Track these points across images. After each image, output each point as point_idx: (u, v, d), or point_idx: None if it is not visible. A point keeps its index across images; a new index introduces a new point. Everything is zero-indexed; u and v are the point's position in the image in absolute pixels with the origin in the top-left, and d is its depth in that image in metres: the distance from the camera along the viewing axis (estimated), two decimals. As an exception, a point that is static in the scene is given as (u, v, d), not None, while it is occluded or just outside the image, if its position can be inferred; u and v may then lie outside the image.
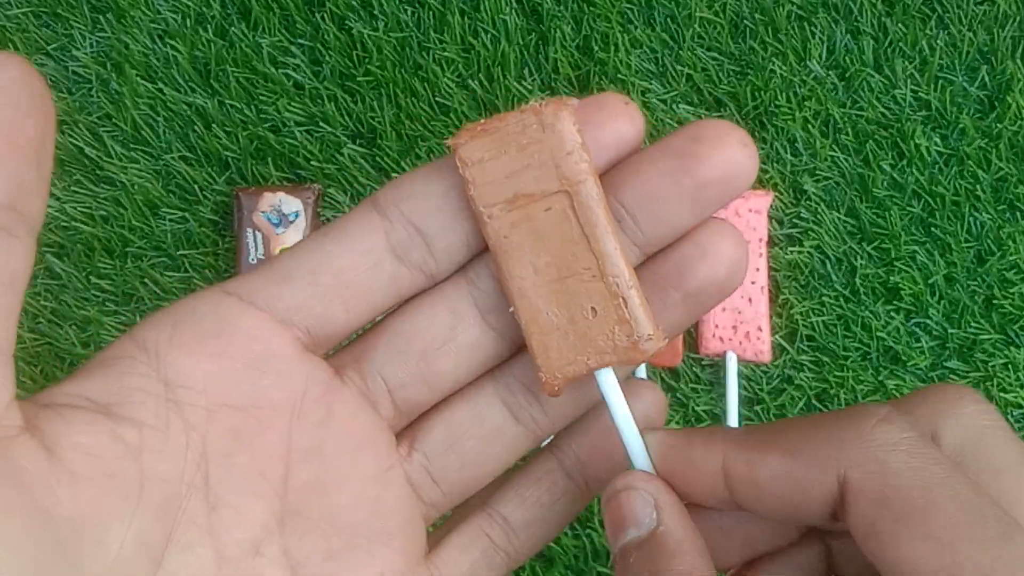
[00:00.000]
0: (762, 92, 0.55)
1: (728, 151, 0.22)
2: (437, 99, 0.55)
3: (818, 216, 0.55)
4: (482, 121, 0.23)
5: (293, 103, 0.55)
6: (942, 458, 0.20)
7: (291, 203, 0.50)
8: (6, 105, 0.19)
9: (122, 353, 0.21)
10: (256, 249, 0.49)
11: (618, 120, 0.22)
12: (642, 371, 0.53)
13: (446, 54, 0.56)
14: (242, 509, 0.21)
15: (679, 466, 0.22)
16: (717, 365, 0.54)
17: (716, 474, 0.22)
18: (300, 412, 0.22)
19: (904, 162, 0.55)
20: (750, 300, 0.53)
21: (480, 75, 0.56)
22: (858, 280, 0.54)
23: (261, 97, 0.55)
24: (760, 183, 0.55)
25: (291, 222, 0.48)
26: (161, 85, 0.56)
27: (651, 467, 0.23)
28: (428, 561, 0.24)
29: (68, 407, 0.20)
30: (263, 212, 0.48)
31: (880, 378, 0.53)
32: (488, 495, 0.25)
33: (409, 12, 0.56)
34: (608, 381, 0.23)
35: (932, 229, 0.55)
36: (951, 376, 0.53)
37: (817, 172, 0.55)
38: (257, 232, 0.49)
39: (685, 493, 0.22)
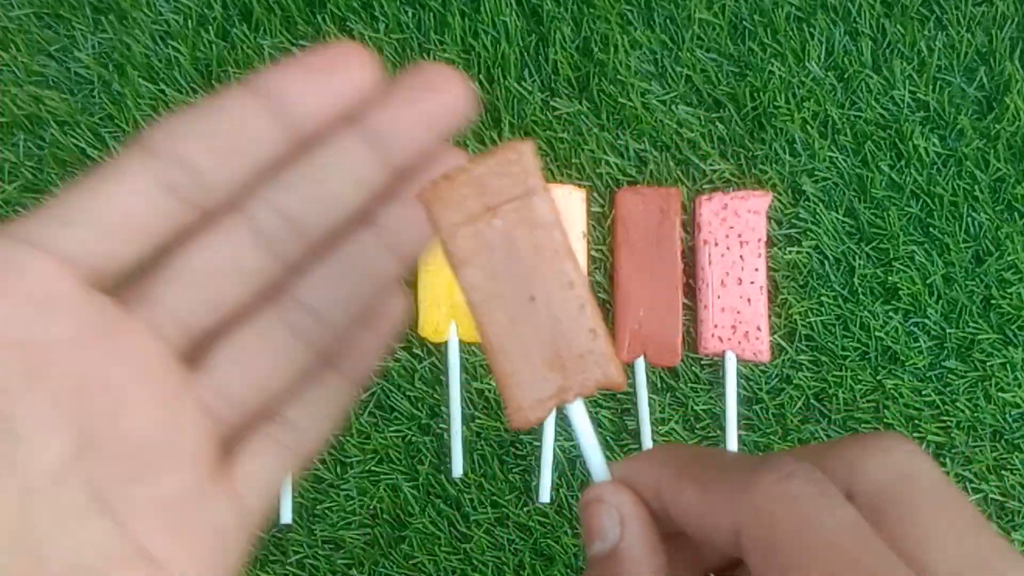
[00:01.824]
0: (761, 93, 0.55)
1: (453, 85, 0.27)
2: (437, 100, 0.56)
3: (817, 216, 0.55)
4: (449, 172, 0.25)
5: (294, 104, 0.55)
6: (841, 514, 0.21)
7: None
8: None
9: None
10: None
11: (351, 68, 0.26)
12: (642, 371, 0.53)
13: (446, 55, 0.56)
14: (42, 442, 0.22)
15: (635, 477, 0.25)
16: (716, 365, 0.54)
17: (654, 491, 0.24)
18: (89, 346, 0.23)
19: (902, 163, 0.55)
20: (749, 300, 0.53)
21: (480, 76, 0.56)
22: (856, 280, 0.54)
23: (262, 98, 0.56)
24: (759, 184, 0.55)
25: None
26: (163, 86, 0.56)
27: (609, 477, 0.25)
28: (224, 472, 0.26)
29: None
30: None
31: (879, 378, 0.54)
32: (273, 404, 0.27)
33: (409, 13, 0.56)
34: (577, 408, 0.26)
35: (930, 229, 0.55)
36: (950, 376, 0.54)
37: (816, 173, 0.55)
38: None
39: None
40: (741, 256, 0.54)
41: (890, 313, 0.54)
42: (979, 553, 0.21)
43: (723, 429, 0.53)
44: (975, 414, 0.53)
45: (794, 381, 0.54)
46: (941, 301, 0.54)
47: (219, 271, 0.25)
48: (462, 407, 0.53)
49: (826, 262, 0.55)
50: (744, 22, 0.56)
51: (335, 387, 0.28)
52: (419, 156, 0.26)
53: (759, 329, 0.53)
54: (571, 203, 0.54)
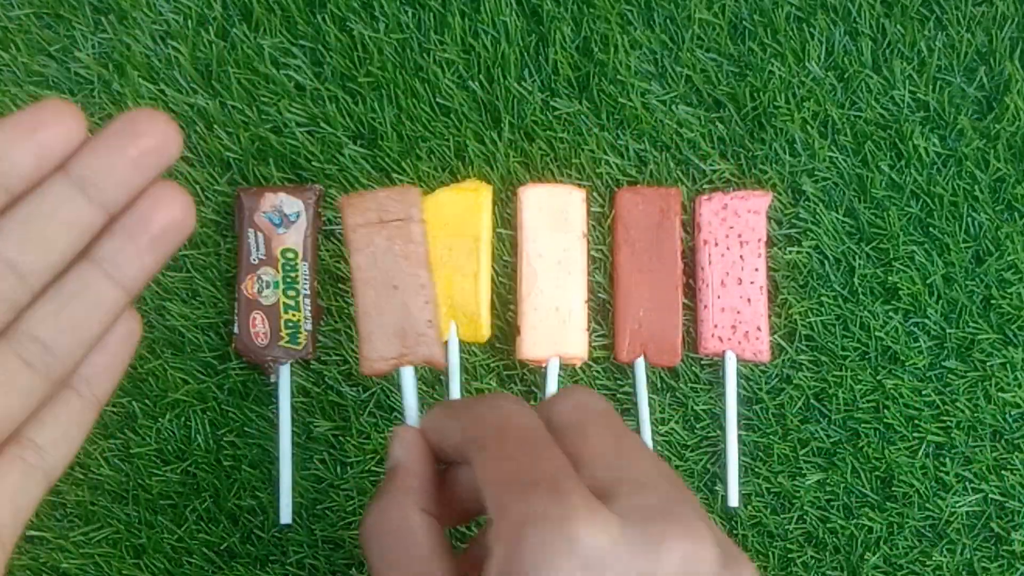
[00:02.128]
0: (761, 93, 0.55)
1: (159, 128, 0.30)
2: (438, 100, 0.56)
3: (817, 216, 0.55)
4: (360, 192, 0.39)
5: (294, 104, 0.55)
6: (531, 422, 0.30)
7: (292, 203, 0.50)
8: None
9: None
10: (257, 249, 0.49)
11: (58, 125, 0.29)
12: (642, 371, 0.53)
13: (446, 55, 0.56)
14: None
15: (430, 428, 0.33)
16: (716, 365, 0.54)
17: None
18: None
19: (902, 163, 0.55)
20: (749, 300, 0.53)
21: (480, 76, 0.56)
22: (856, 280, 0.54)
23: (262, 98, 0.56)
24: (759, 184, 0.55)
25: (292, 222, 0.49)
26: (163, 86, 0.56)
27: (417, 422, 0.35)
28: None
29: None
30: (264, 212, 0.49)
31: (879, 378, 0.54)
32: (20, 428, 0.30)
33: (410, 13, 0.56)
34: (407, 375, 0.36)
35: (930, 229, 0.55)
36: (950, 375, 0.54)
37: (816, 173, 0.55)
38: (258, 232, 0.50)
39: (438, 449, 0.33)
40: (741, 256, 0.54)
41: (890, 313, 0.54)
42: (619, 447, 0.30)
43: (723, 429, 0.53)
44: (975, 414, 0.53)
45: (794, 381, 0.54)
46: (941, 301, 0.54)
47: None
48: (462, 407, 0.53)
49: (826, 262, 0.55)
50: (744, 22, 0.56)
51: (77, 409, 0.31)
52: (131, 194, 0.30)
53: (759, 329, 0.53)
54: (571, 203, 0.54)
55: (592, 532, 0.26)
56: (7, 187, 0.28)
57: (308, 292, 0.49)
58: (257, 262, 0.49)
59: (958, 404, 0.53)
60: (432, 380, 0.54)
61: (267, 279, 0.46)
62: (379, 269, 0.40)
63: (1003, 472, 0.53)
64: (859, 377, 0.54)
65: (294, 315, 0.47)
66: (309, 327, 0.49)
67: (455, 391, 0.53)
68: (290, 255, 0.48)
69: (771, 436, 0.54)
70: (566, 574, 0.25)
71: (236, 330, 0.50)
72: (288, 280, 0.48)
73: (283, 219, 0.48)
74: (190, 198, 0.31)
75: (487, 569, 0.26)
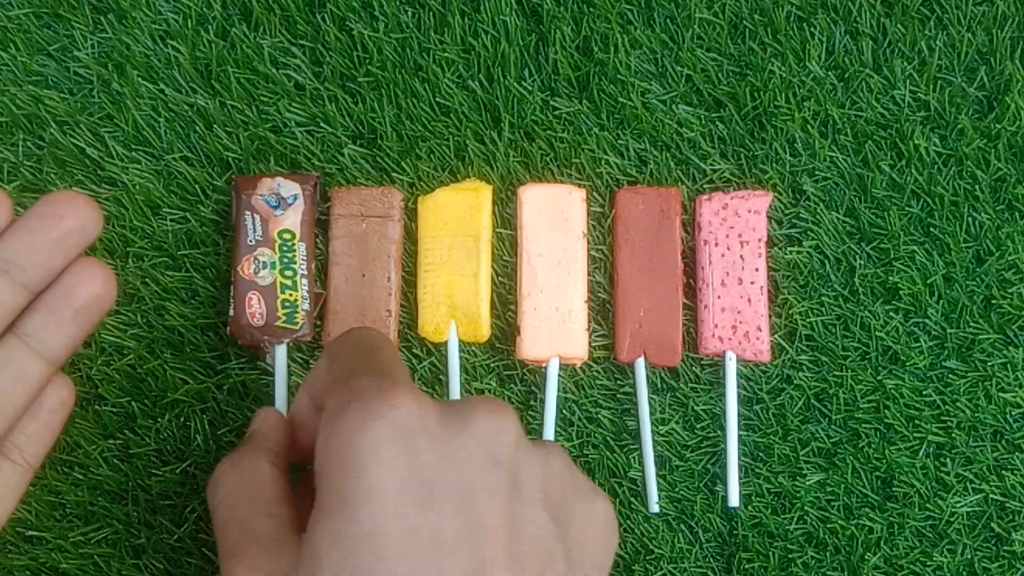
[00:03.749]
0: (761, 93, 0.55)
1: (78, 209, 0.32)
2: (438, 99, 0.56)
3: (817, 216, 0.55)
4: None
5: (294, 104, 0.55)
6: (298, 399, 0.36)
7: (290, 187, 0.49)
8: None
9: None
10: (254, 231, 0.49)
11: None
12: (642, 371, 0.53)
13: (446, 55, 0.56)
14: None
15: (310, 379, 0.36)
16: (716, 365, 0.54)
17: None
18: None
19: (903, 162, 0.55)
20: (749, 300, 0.53)
21: (480, 76, 0.56)
22: (857, 280, 0.54)
23: (262, 98, 0.56)
24: (759, 183, 0.55)
25: (289, 204, 0.48)
26: (162, 86, 0.56)
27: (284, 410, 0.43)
28: None
29: None
30: (262, 195, 0.48)
31: (879, 378, 0.54)
32: None
33: (409, 13, 0.56)
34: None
35: (931, 229, 0.55)
36: (950, 376, 0.54)
37: (816, 172, 0.55)
38: (255, 215, 0.49)
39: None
40: (741, 256, 0.54)
41: (891, 313, 0.54)
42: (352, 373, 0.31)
43: (723, 429, 0.53)
44: (976, 414, 0.53)
45: (794, 381, 0.54)
46: (942, 301, 0.54)
47: None
48: (462, 407, 0.53)
49: (826, 262, 0.55)
50: (744, 22, 0.56)
51: (8, 474, 0.33)
52: (54, 273, 0.31)
53: (759, 329, 0.53)
54: (571, 203, 0.54)
55: (408, 401, 0.28)
56: None
57: (305, 273, 0.47)
58: (254, 243, 0.48)
59: (959, 404, 0.53)
60: (432, 380, 0.54)
61: (264, 259, 0.46)
62: (353, 256, 0.46)
63: (1004, 472, 0.53)
64: (859, 377, 0.54)
65: (291, 295, 0.46)
66: (307, 307, 0.47)
67: (455, 391, 0.53)
68: (287, 236, 0.47)
69: (771, 436, 0.53)
70: (380, 436, 0.27)
71: (231, 312, 0.49)
72: (285, 260, 0.47)
73: (280, 201, 0.47)
74: (110, 272, 0.33)
75: (316, 452, 0.28)
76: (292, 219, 0.48)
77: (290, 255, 0.45)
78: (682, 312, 0.54)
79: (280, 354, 0.47)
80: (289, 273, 0.46)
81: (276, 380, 0.48)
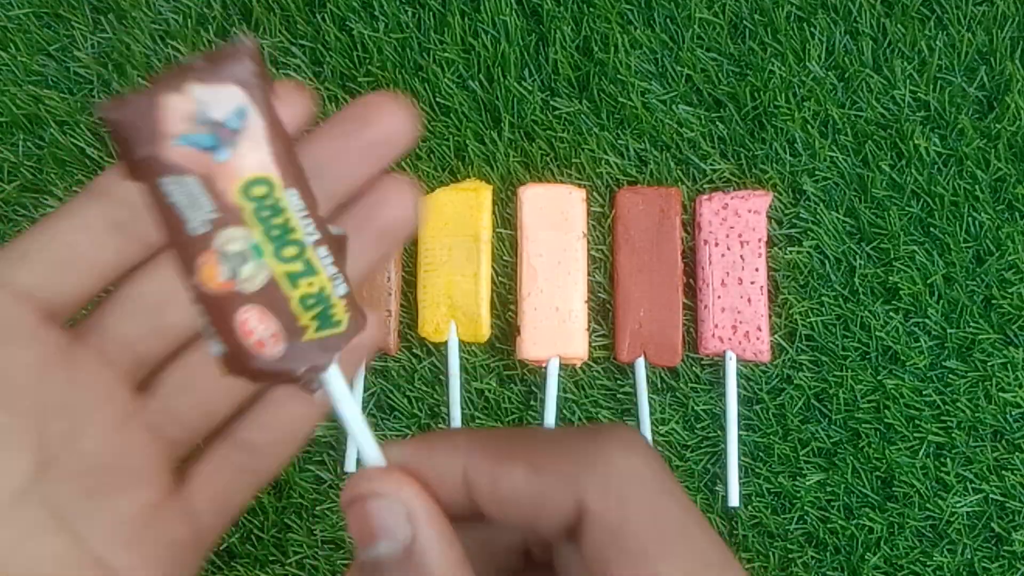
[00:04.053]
0: (761, 93, 0.55)
1: (391, 116, 0.27)
2: (438, 99, 0.56)
3: (817, 216, 0.55)
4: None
5: (294, 103, 0.55)
6: (679, 494, 0.21)
7: (223, 96, 0.22)
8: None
9: None
10: (197, 207, 0.22)
11: (293, 104, 0.27)
12: (642, 371, 0.53)
13: (446, 55, 0.56)
14: (5, 463, 0.24)
15: (418, 464, 0.22)
16: (716, 365, 0.54)
17: (456, 478, 0.22)
18: (47, 374, 0.25)
19: (903, 162, 0.55)
20: (749, 300, 0.53)
21: (480, 76, 0.56)
22: (857, 280, 0.54)
23: (262, 98, 0.56)
24: (759, 183, 0.55)
25: (237, 131, 0.22)
26: (162, 86, 0.56)
27: (383, 461, 0.23)
28: (179, 492, 0.27)
29: None
30: (178, 136, 0.21)
31: (879, 378, 0.54)
32: (231, 424, 0.28)
33: (409, 13, 0.56)
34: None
35: (931, 229, 0.55)
36: (950, 376, 0.54)
37: (816, 172, 0.55)
38: (183, 176, 0.21)
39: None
40: (741, 256, 0.54)
41: (891, 313, 0.54)
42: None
43: (723, 429, 0.53)
44: (976, 414, 0.53)
45: (795, 381, 0.54)
46: (942, 301, 0.54)
47: (163, 301, 0.26)
48: (462, 407, 0.53)
49: (827, 262, 0.55)
50: (744, 21, 0.56)
51: (293, 409, 0.28)
52: (359, 185, 0.27)
53: (759, 329, 0.53)
54: (571, 203, 0.54)
55: (644, 442, 0.23)
56: None
57: (317, 236, 0.23)
58: (205, 227, 0.22)
59: (959, 404, 0.53)
60: (432, 380, 0.54)
61: (235, 248, 0.22)
62: None
63: (1004, 472, 0.53)
64: (859, 377, 0.54)
65: (310, 283, 0.23)
66: (342, 289, 0.23)
67: (455, 391, 0.53)
68: (260, 189, 0.22)
69: (771, 436, 0.53)
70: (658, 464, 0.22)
71: (220, 348, 0.23)
72: (275, 232, 0.22)
73: (217, 132, 0.22)
74: (418, 192, 0.28)
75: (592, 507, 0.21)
76: (254, 155, 0.22)
77: (279, 219, 0.22)
78: (682, 312, 0.54)
79: (336, 379, 0.24)
80: (291, 250, 0.22)
81: (345, 420, 0.24)
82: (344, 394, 0.23)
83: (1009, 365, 0.54)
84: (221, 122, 0.21)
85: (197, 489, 0.27)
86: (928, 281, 0.54)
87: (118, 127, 0.21)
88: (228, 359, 0.22)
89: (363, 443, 0.23)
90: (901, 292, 0.54)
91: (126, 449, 0.26)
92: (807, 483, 0.53)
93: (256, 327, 0.22)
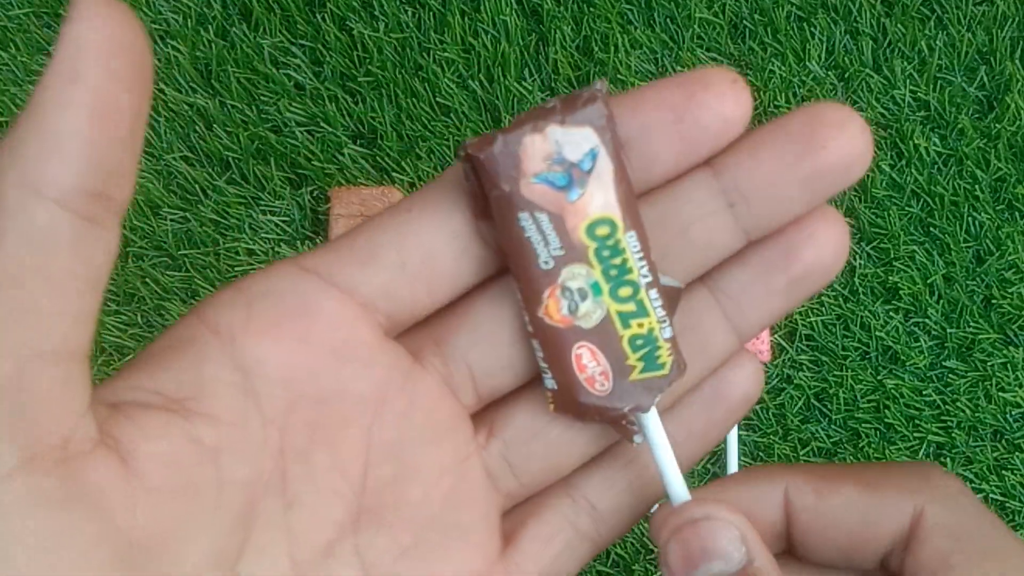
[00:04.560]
0: (762, 92, 0.55)
1: (849, 138, 0.21)
2: (438, 99, 0.56)
3: (817, 216, 0.55)
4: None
5: (294, 103, 0.55)
6: (988, 508, 0.22)
7: (578, 137, 0.23)
8: (101, 73, 0.16)
9: (192, 337, 0.19)
10: (546, 242, 0.23)
11: (724, 101, 0.21)
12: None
13: (446, 55, 0.56)
14: (319, 509, 0.20)
15: (736, 498, 0.21)
16: (717, 365, 0.54)
17: (775, 507, 0.21)
18: (382, 404, 0.21)
19: (903, 162, 0.55)
20: (749, 300, 0.53)
21: (480, 75, 0.56)
22: (857, 280, 0.54)
23: (262, 97, 0.56)
24: (759, 183, 0.55)
25: (588, 171, 0.23)
26: (162, 85, 0.56)
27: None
28: (506, 556, 0.22)
29: (139, 406, 0.18)
30: (537, 175, 0.22)
31: (879, 378, 0.54)
32: (572, 479, 0.23)
33: (409, 13, 0.56)
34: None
35: (931, 229, 0.55)
36: (950, 375, 0.54)
37: (816, 172, 0.55)
38: (537, 214, 0.23)
39: None
40: (741, 256, 0.54)
41: (891, 313, 0.54)
42: None
43: (723, 429, 0.53)
44: (976, 414, 0.53)
45: (795, 381, 0.54)
46: (942, 301, 0.54)
47: (514, 330, 0.22)
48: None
49: (827, 262, 0.55)
50: (744, 21, 0.56)
51: (649, 467, 0.23)
52: (784, 220, 0.22)
53: (759, 329, 0.53)
54: (571, 203, 0.54)
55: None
56: (646, 178, 0.21)
57: (649, 278, 0.23)
58: (553, 264, 0.23)
59: (959, 404, 0.53)
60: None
61: (578, 284, 0.23)
62: None
63: (1004, 472, 0.53)
64: (860, 377, 0.54)
65: (641, 324, 0.23)
66: (668, 333, 0.23)
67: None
68: (603, 229, 0.22)
69: (772, 436, 0.53)
70: None
71: (551, 384, 0.24)
72: (612, 272, 0.23)
73: (571, 172, 0.23)
74: (846, 232, 0.22)
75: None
76: (601, 195, 0.23)
77: (617, 259, 0.23)
78: (682, 312, 0.54)
79: (655, 423, 0.24)
80: (627, 291, 0.23)
81: (661, 465, 0.24)
82: (662, 439, 0.23)
83: (1009, 365, 0.54)
84: (575, 163, 0.22)
85: (527, 558, 0.22)
86: (928, 281, 0.54)
87: (484, 164, 0.22)
88: (559, 394, 0.23)
89: (678, 491, 0.22)
90: (901, 292, 0.54)
91: (455, 499, 0.22)
92: (807, 483, 0.53)
93: (588, 363, 0.23)
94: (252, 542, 0.19)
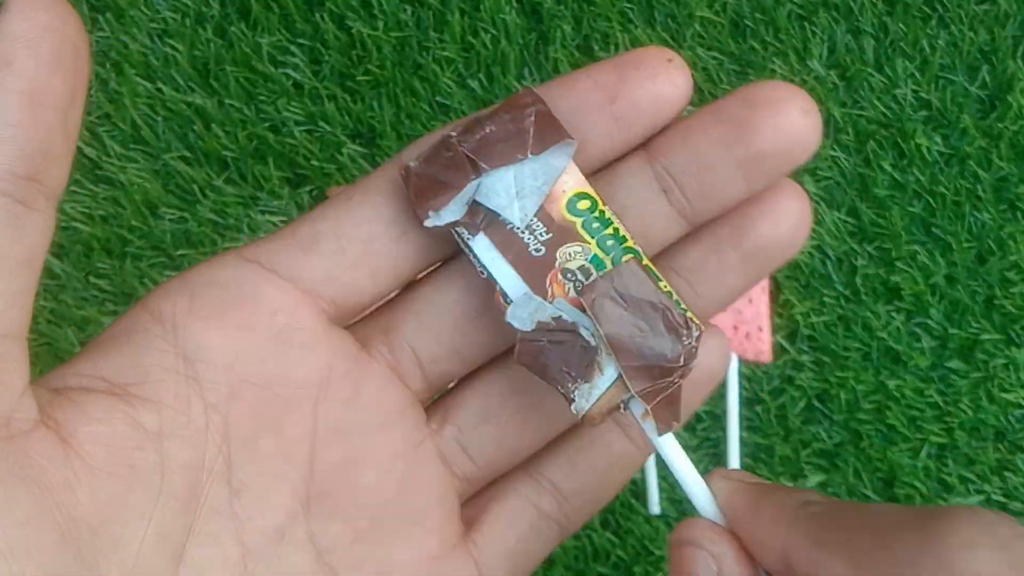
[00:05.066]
0: (762, 92, 0.55)
1: (786, 119, 0.20)
2: (437, 98, 0.55)
3: (819, 216, 0.55)
4: None
5: (292, 102, 0.55)
6: None
7: (547, 164, 0.22)
8: (30, 58, 0.17)
9: (136, 326, 0.20)
10: (533, 232, 0.22)
11: (658, 80, 0.21)
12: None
13: (446, 53, 0.56)
14: (266, 495, 0.20)
15: (742, 529, 0.20)
16: (717, 365, 0.54)
17: (774, 554, 0.20)
18: (326, 389, 0.21)
19: (905, 162, 0.55)
20: (750, 300, 0.53)
21: (480, 74, 0.56)
22: (859, 280, 0.54)
23: (260, 96, 0.55)
24: (760, 183, 0.55)
25: (555, 174, 0.22)
26: (160, 84, 0.55)
27: (718, 515, 0.21)
28: (467, 539, 0.22)
29: (82, 391, 0.18)
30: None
31: (881, 378, 0.53)
32: (534, 461, 0.23)
33: (408, 11, 0.56)
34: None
35: (933, 229, 0.55)
36: (952, 376, 0.53)
37: (817, 172, 0.55)
38: (526, 199, 0.22)
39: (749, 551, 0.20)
40: (742, 256, 0.53)
41: (892, 313, 0.54)
42: None
43: (724, 430, 0.53)
44: (978, 415, 0.53)
45: (796, 382, 0.53)
46: (943, 301, 0.54)
47: (473, 313, 0.22)
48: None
49: (828, 262, 0.54)
50: (745, 20, 0.56)
51: (619, 452, 0.23)
52: (727, 204, 0.21)
53: (761, 329, 0.53)
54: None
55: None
56: (584, 162, 0.21)
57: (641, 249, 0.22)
58: (544, 249, 0.22)
59: (960, 405, 0.53)
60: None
61: (578, 263, 0.21)
62: None
63: (1006, 473, 0.53)
64: (861, 378, 0.53)
65: (660, 286, 0.22)
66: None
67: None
68: (585, 202, 0.22)
69: (773, 437, 0.53)
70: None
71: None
72: (610, 242, 0.22)
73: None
74: (806, 203, 0.21)
75: None
76: (571, 178, 0.22)
77: (609, 230, 0.21)
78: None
79: (666, 436, 0.23)
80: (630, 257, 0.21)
81: (677, 476, 0.23)
82: (676, 451, 0.22)
83: (1011, 365, 0.53)
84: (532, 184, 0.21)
85: (489, 540, 0.22)
86: (930, 281, 0.54)
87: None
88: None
89: (699, 501, 0.21)
90: (903, 292, 0.54)
91: (410, 485, 0.21)
92: (808, 484, 0.53)
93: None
94: (199, 527, 0.19)
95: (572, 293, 0.21)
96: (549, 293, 0.21)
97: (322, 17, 0.56)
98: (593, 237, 0.21)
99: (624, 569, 0.53)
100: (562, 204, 0.21)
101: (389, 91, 0.55)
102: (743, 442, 0.53)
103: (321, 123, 0.55)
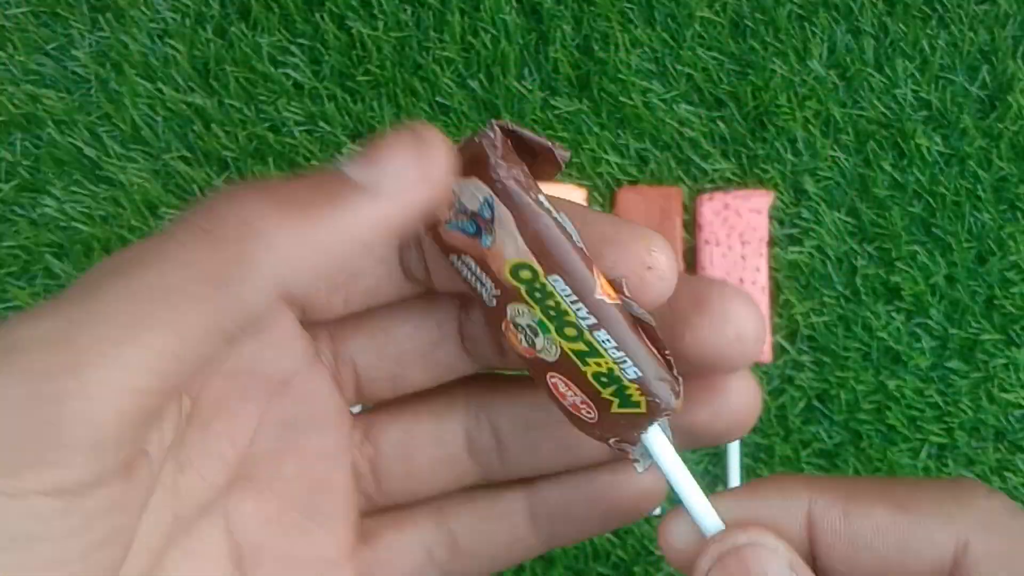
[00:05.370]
0: (762, 92, 0.55)
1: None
2: (437, 99, 0.55)
3: (818, 216, 0.54)
4: None
5: (292, 103, 0.55)
6: None
7: (469, 189, 0.22)
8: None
9: None
10: (482, 284, 0.23)
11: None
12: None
13: (446, 54, 0.56)
14: (204, 472, 0.21)
15: (757, 515, 0.20)
16: (717, 365, 0.54)
17: (797, 526, 0.20)
18: (286, 385, 0.22)
19: (905, 162, 0.55)
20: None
21: (480, 75, 0.56)
22: (859, 280, 0.54)
23: (260, 97, 0.55)
24: (760, 183, 0.55)
25: (490, 219, 0.22)
26: (160, 84, 0.55)
27: (718, 522, 0.21)
28: (357, 552, 0.23)
29: None
30: (449, 223, 0.23)
31: (881, 378, 0.53)
32: (444, 502, 0.24)
33: (409, 12, 0.56)
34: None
35: (933, 229, 0.54)
36: (952, 376, 0.53)
37: (818, 172, 0.55)
38: (462, 258, 0.23)
39: None
40: (743, 256, 0.53)
41: (892, 313, 0.54)
42: None
43: (724, 430, 0.53)
44: (978, 415, 0.53)
45: (796, 382, 0.53)
46: (943, 301, 0.54)
47: (416, 351, 0.23)
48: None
49: (828, 262, 0.54)
50: (745, 20, 0.56)
51: (521, 536, 0.23)
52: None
53: (760, 329, 0.53)
54: (571, 202, 0.54)
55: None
56: None
57: (592, 319, 0.22)
58: (496, 302, 0.23)
59: (961, 405, 0.53)
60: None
61: (524, 321, 0.22)
62: None
63: (1006, 473, 0.53)
64: (861, 378, 0.53)
65: (599, 363, 0.22)
66: (634, 372, 0.22)
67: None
68: (526, 272, 0.22)
69: (773, 437, 0.53)
70: None
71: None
72: (550, 314, 0.22)
73: (475, 221, 0.22)
74: (757, 393, 0.22)
75: None
76: (512, 243, 0.22)
77: (550, 301, 0.22)
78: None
79: (663, 451, 0.22)
80: (571, 331, 0.22)
81: (677, 491, 0.22)
82: (675, 465, 0.22)
83: (1011, 366, 0.53)
84: (476, 212, 0.22)
85: (378, 559, 0.23)
86: (930, 281, 0.54)
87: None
88: (566, 414, 0.23)
89: (702, 516, 0.21)
90: (903, 292, 0.54)
91: (324, 487, 0.23)
92: (808, 484, 0.53)
93: (566, 392, 0.22)
94: (152, 504, 0.20)
95: (525, 344, 0.22)
96: (506, 340, 0.22)
97: (322, 17, 0.56)
98: (537, 304, 0.21)
99: (624, 569, 0.53)
100: (505, 269, 0.21)
101: (389, 91, 0.55)
102: (743, 442, 0.53)
103: (321, 123, 0.55)
